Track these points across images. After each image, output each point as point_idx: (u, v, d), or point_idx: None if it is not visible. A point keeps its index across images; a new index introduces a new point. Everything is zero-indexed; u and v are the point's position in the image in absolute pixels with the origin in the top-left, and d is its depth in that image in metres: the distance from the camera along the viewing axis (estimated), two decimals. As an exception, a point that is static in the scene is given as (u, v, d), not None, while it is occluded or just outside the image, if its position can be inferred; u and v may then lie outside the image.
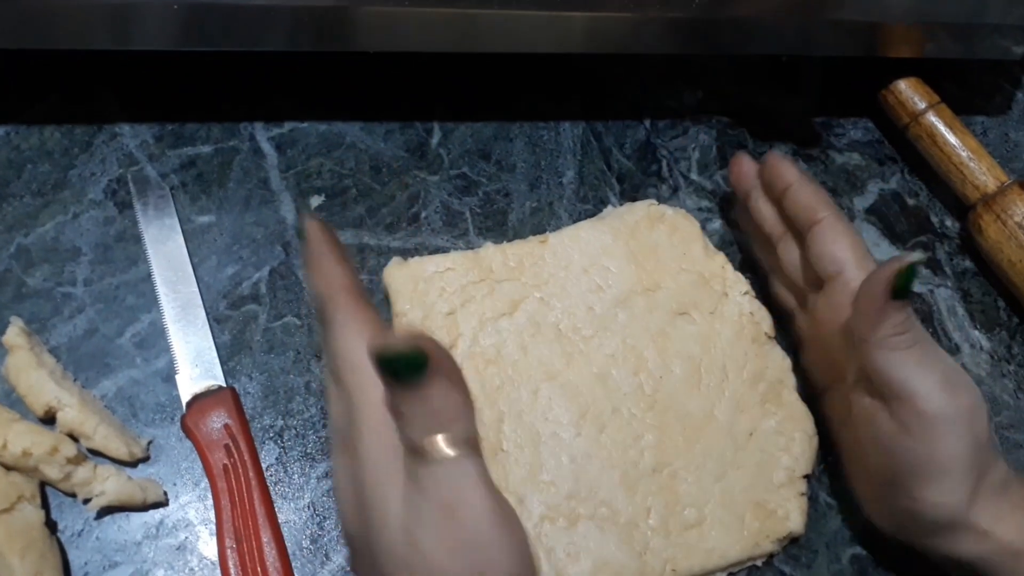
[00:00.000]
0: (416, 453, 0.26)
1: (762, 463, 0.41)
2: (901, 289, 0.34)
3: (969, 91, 0.57)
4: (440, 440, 0.26)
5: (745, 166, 0.44)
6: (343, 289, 0.30)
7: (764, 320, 0.44)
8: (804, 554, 0.41)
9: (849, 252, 0.39)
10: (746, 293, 0.45)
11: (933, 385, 0.34)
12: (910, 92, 0.52)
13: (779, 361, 0.44)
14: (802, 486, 0.41)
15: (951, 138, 0.50)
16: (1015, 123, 0.57)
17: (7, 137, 0.44)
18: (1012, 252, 0.48)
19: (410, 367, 0.26)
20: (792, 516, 0.40)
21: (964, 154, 0.50)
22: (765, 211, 0.43)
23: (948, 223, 0.52)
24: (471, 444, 0.27)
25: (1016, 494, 0.35)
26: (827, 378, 0.41)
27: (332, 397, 0.30)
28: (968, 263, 0.51)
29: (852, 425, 0.38)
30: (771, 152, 0.44)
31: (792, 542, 0.41)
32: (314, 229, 0.31)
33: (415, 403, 0.26)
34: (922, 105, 0.51)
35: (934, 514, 0.34)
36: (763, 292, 0.45)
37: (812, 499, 0.42)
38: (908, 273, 0.34)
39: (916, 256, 0.34)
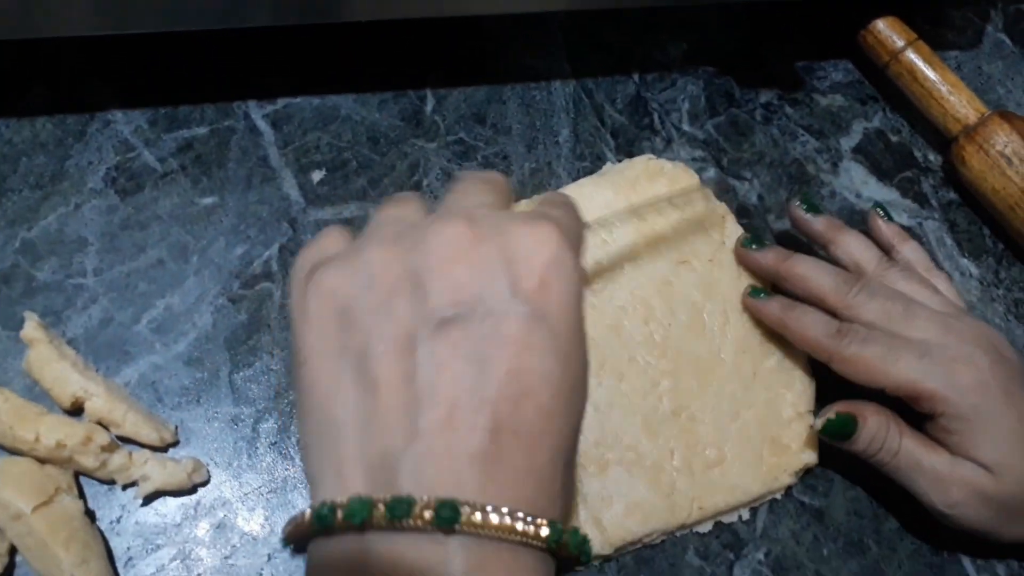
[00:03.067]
0: None
1: (770, 400, 0.42)
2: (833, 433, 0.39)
3: (942, 27, 0.59)
4: None
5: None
6: None
7: None
8: (820, 484, 0.42)
9: None
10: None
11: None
12: (888, 31, 0.53)
13: None
14: (810, 419, 0.42)
15: (931, 74, 0.52)
16: (987, 56, 0.58)
17: (-2, 131, 0.43)
18: (995, 180, 0.49)
19: None
20: (806, 448, 0.42)
21: (944, 88, 0.51)
22: None
23: (931, 157, 0.53)
24: None
25: None
26: None
27: None
28: (952, 195, 0.52)
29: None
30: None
31: (807, 473, 0.42)
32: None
33: None
34: (900, 43, 0.52)
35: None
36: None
37: (823, 431, 0.43)
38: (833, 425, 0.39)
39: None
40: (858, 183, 0.52)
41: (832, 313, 0.41)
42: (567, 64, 0.52)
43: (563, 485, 0.25)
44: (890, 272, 0.42)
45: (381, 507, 0.22)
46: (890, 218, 0.46)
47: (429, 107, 0.49)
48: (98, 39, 0.39)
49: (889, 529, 0.42)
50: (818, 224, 0.44)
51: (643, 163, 0.47)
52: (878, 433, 0.38)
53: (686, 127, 0.51)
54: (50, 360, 0.37)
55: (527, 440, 0.24)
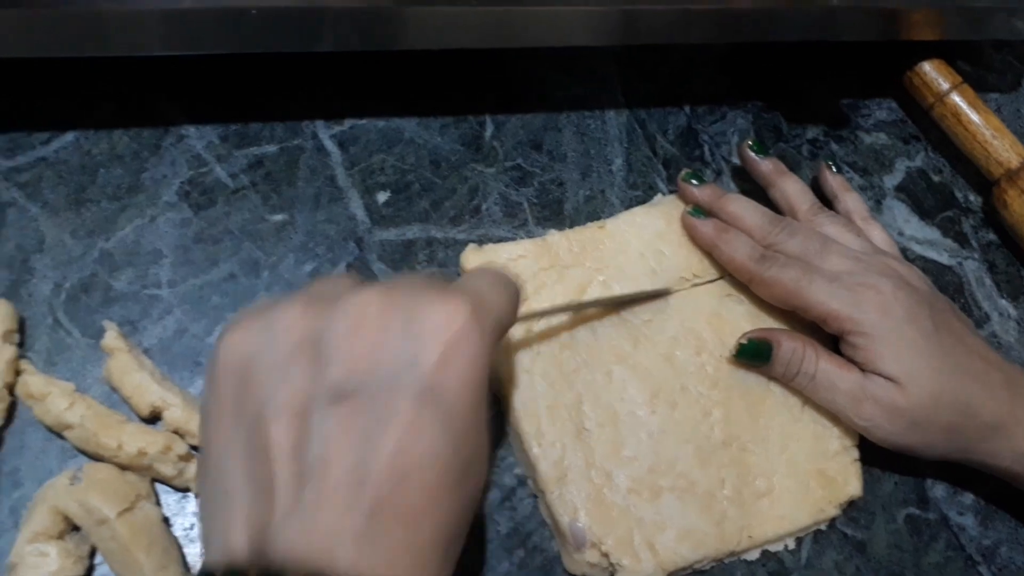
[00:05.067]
0: None
1: (817, 433, 0.44)
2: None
3: (982, 69, 0.60)
4: None
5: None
6: None
7: None
8: (862, 516, 0.44)
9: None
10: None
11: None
12: (935, 73, 0.54)
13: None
14: (855, 452, 0.44)
15: (975, 117, 0.53)
16: (1026, 100, 0.60)
17: (76, 142, 0.44)
18: (1036, 224, 0.51)
19: None
20: (851, 481, 0.43)
21: (987, 132, 0.53)
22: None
23: (972, 198, 0.55)
24: None
25: None
26: None
27: None
28: (992, 236, 0.54)
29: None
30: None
31: (850, 505, 0.43)
32: None
33: None
34: (946, 86, 0.54)
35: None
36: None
37: (866, 464, 0.44)
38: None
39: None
40: (900, 221, 0.53)
41: None
42: (621, 95, 0.53)
43: (446, 560, 0.26)
44: (819, 216, 0.46)
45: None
46: (839, 171, 0.50)
47: (488, 133, 0.50)
48: (169, 56, 0.40)
49: (928, 563, 0.43)
50: (763, 165, 0.48)
51: (695, 195, 0.48)
52: (793, 356, 0.42)
53: (735, 160, 0.52)
54: (130, 370, 0.38)
55: (407, 519, 0.24)
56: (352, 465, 0.24)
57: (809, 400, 0.44)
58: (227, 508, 0.25)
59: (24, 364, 0.38)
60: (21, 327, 0.39)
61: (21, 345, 0.39)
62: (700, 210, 0.46)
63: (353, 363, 0.25)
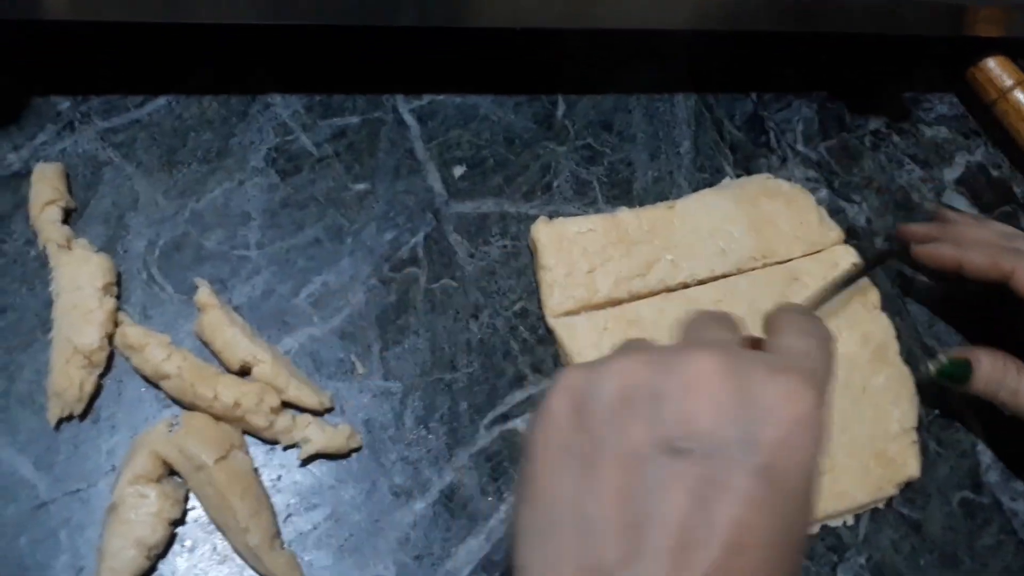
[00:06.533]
0: None
1: (877, 416, 0.45)
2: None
3: (1042, 68, 0.61)
4: None
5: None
6: None
7: (871, 290, 0.48)
8: (919, 497, 0.45)
9: None
10: (855, 264, 0.48)
11: None
12: (999, 70, 0.55)
13: (884, 326, 0.47)
14: (914, 435, 0.45)
15: (1037, 114, 0.54)
16: (1085, 99, 0.60)
17: (169, 106, 0.46)
18: (1095, 221, 0.52)
19: None
20: (909, 462, 0.44)
21: (1050, 129, 0.53)
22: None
23: (1030, 194, 0.56)
24: None
25: None
26: None
27: None
28: (1050, 232, 0.54)
29: None
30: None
31: (907, 486, 0.44)
32: None
33: None
34: (1010, 82, 0.55)
35: None
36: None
37: (923, 448, 0.45)
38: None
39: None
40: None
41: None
42: (689, 80, 0.54)
43: None
44: None
45: None
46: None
47: (560, 112, 0.51)
48: (258, 26, 0.41)
49: (982, 546, 0.44)
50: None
51: (762, 181, 0.50)
52: (994, 373, 0.41)
53: (800, 147, 0.53)
54: (221, 325, 0.40)
55: None
56: (689, 525, 0.24)
57: (870, 384, 0.45)
58: (553, 541, 0.25)
59: (122, 316, 0.40)
60: (118, 281, 0.41)
61: (118, 298, 0.41)
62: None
63: (690, 423, 0.25)
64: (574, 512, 0.25)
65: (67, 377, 0.38)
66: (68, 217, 0.42)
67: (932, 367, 0.43)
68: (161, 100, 0.46)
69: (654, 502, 0.24)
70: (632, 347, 0.29)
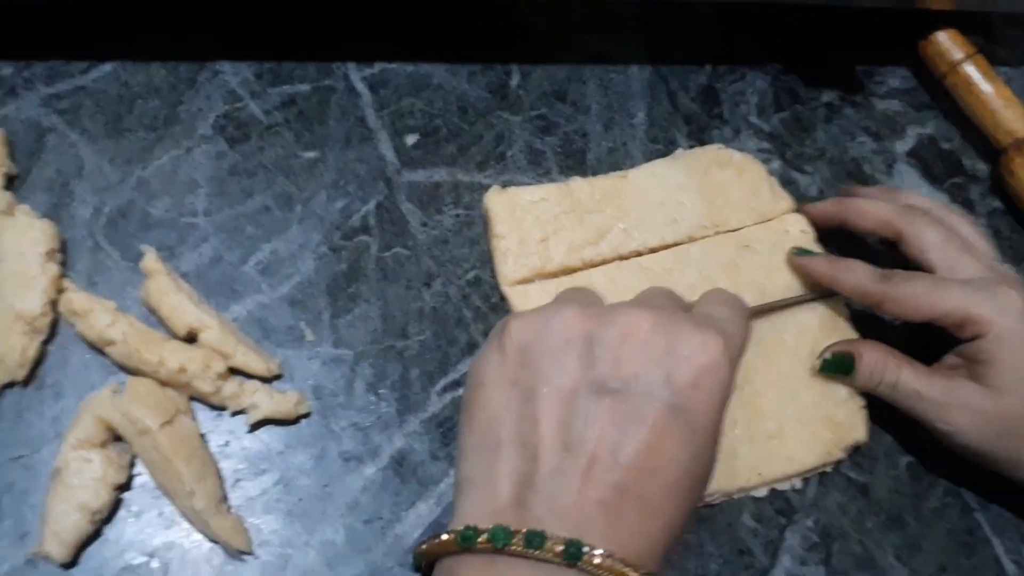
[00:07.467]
0: None
1: (825, 382, 0.45)
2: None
3: (994, 43, 0.61)
4: None
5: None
6: None
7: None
8: (865, 461, 0.45)
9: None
10: (804, 231, 0.48)
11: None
12: (949, 43, 0.56)
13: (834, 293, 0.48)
14: (862, 400, 0.45)
15: (986, 87, 0.54)
16: (1036, 74, 0.61)
17: (115, 73, 0.45)
18: (1041, 191, 0.52)
19: None
20: (857, 427, 0.44)
21: (999, 102, 0.54)
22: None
23: (979, 166, 0.56)
24: None
25: None
26: None
27: None
28: (997, 203, 0.55)
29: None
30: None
31: (855, 450, 0.45)
32: None
33: None
34: (960, 55, 0.55)
35: None
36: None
37: (871, 413, 0.46)
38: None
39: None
40: (910, 186, 0.54)
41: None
42: (645, 51, 0.54)
43: (663, 557, 0.29)
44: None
45: (519, 537, 0.27)
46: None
47: (514, 81, 0.51)
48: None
49: (928, 508, 0.45)
50: (816, 264, 0.46)
51: (714, 151, 0.50)
52: (876, 367, 0.42)
53: (753, 119, 0.54)
54: (168, 291, 0.39)
55: (647, 508, 0.29)
56: (610, 447, 0.29)
57: (818, 349, 0.45)
58: (496, 457, 0.30)
59: (66, 282, 0.40)
60: (63, 248, 0.41)
61: (63, 265, 0.40)
62: (804, 250, 0.47)
63: (619, 367, 0.30)
64: (517, 433, 0.30)
65: (8, 343, 0.37)
66: (11, 184, 0.42)
67: (817, 362, 0.44)
68: (107, 67, 0.45)
69: (582, 429, 0.29)
70: (576, 298, 0.34)
